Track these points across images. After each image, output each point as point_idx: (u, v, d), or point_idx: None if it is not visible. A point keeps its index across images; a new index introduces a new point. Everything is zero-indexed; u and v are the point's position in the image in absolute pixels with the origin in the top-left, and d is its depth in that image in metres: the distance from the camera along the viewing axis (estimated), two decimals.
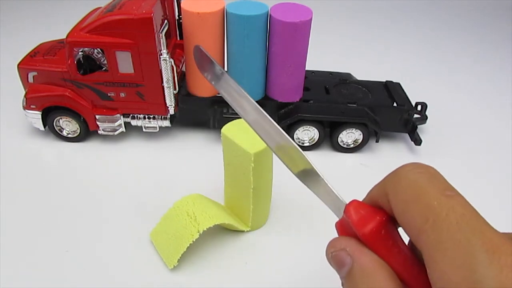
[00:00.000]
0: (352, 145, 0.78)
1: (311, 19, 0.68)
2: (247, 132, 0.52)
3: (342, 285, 0.30)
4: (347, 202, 0.31)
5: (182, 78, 0.79)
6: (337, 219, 0.33)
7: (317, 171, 0.34)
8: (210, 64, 0.42)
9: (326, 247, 0.32)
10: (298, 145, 0.82)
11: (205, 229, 0.52)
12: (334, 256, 0.31)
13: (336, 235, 0.33)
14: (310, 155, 0.78)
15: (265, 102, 0.77)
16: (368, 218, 0.29)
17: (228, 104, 0.73)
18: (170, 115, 0.77)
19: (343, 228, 0.32)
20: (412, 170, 0.28)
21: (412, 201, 0.26)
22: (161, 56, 0.68)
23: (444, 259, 0.23)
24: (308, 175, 0.36)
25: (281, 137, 0.39)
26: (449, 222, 0.24)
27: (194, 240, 0.51)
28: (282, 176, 0.65)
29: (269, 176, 0.58)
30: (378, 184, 0.30)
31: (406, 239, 0.29)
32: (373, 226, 0.29)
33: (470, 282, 0.22)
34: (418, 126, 0.79)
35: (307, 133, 0.77)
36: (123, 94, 0.73)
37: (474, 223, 0.24)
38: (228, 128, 0.54)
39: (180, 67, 0.80)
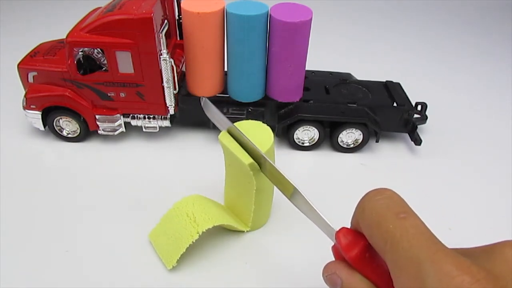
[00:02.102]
0: (352, 145, 0.78)
1: (311, 19, 0.68)
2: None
3: None
4: (337, 229, 0.36)
5: (182, 78, 0.79)
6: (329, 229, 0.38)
7: (311, 204, 0.41)
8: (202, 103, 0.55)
9: (322, 270, 0.37)
10: (298, 145, 0.83)
11: (204, 230, 0.52)
12: (328, 279, 0.36)
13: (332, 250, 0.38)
14: (310, 155, 0.78)
15: (265, 102, 0.77)
16: (353, 244, 0.34)
17: (228, 104, 0.76)
18: (170, 115, 0.77)
19: (337, 251, 0.37)
20: (372, 198, 0.32)
21: (374, 227, 0.31)
22: (161, 56, 0.68)
23: (402, 274, 0.28)
24: (304, 207, 0.42)
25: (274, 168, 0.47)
26: (402, 242, 0.28)
27: (194, 241, 0.51)
28: None
29: None
30: (353, 213, 0.35)
31: None
32: (358, 251, 0.33)
33: None
34: (418, 126, 0.79)
35: (307, 133, 0.77)
36: (123, 94, 0.73)
37: (422, 240, 0.28)
38: (225, 135, 0.54)
39: (180, 67, 0.80)
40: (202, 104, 0.56)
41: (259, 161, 0.51)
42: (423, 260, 0.26)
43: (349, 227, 0.36)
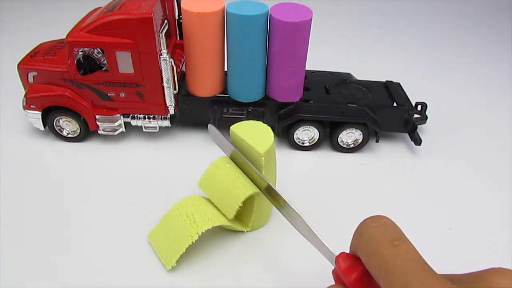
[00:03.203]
0: (352, 145, 0.78)
1: (311, 19, 0.68)
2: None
3: None
4: (337, 254, 0.37)
5: (182, 78, 0.79)
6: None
7: (313, 230, 0.42)
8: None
9: None
10: (298, 145, 0.83)
11: (204, 231, 0.52)
12: None
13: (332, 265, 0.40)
14: (310, 155, 0.78)
15: (265, 102, 0.77)
16: (352, 268, 0.36)
17: (228, 104, 0.76)
18: (170, 115, 0.77)
19: (336, 275, 0.39)
20: (369, 225, 0.34)
21: (371, 253, 0.32)
22: (161, 56, 0.68)
23: None
24: (307, 233, 0.44)
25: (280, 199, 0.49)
26: (396, 268, 0.30)
27: (193, 241, 0.51)
28: (285, 178, 0.66)
29: (272, 178, 0.58)
30: (351, 239, 0.36)
31: None
32: (357, 275, 0.35)
33: None
34: (418, 126, 0.79)
35: (307, 133, 0.77)
36: (123, 94, 0.73)
37: (414, 267, 0.29)
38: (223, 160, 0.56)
39: (180, 67, 0.80)
40: (209, 130, 0.59)
41: (262, 188, 0.53)
42: (414, 286, 0.28)
43: (348, 251, 0.38)
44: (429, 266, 0.30)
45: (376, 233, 0.33)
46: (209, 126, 0.58)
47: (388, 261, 0.30)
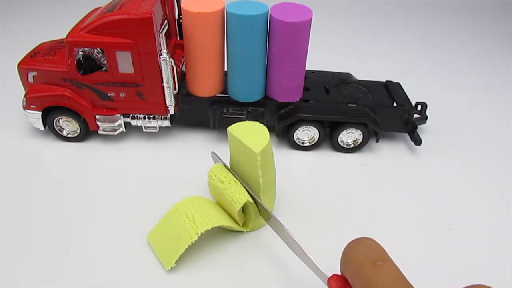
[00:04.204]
0: (352, 145, 0.78)
1: (311, 19, 0.68)
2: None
3: None
4: (329, 276, 0.40)
5: (182, 78, 0.79)
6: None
7: (306, 252, 0.45)
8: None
9: None
10: (298, 145, 0.83)
11: (203, 231, 0.52)
12: None
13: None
14: (310, 155, 0.78)
15: (265, 102, 0.77)
16: None
17: (228, 104, 0.77)
18: (170, 115, 0.77)
19: None
20: (354, 247, 0.36)
21: (355, 274, 0.34)
22: (161, 56, 0.68)
23: None
24: (300, 254, 0.46)
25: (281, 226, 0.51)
26: (378, 287, 0.31)
27: (193, 242, 0.51)
28: (285, 178, 0.66)
29: (271, 177, 0.58)
30: (340, 261, 0.38)
31: None
32: None
33: None
34: (418, 126, 0.79)
35: (307, 133, 0.77)
36: (123, 94, 0.73)
37: (396, 285, 0.31)
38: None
39: (180, 67, 0.80)
40: (211, 157, 0.62)
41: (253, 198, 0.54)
42: None
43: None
44: (411, 285, 0.31)
45: (360, 254, 0.34)
46: (211, 153, 0.61)
47: (372, 281, 0.32)
